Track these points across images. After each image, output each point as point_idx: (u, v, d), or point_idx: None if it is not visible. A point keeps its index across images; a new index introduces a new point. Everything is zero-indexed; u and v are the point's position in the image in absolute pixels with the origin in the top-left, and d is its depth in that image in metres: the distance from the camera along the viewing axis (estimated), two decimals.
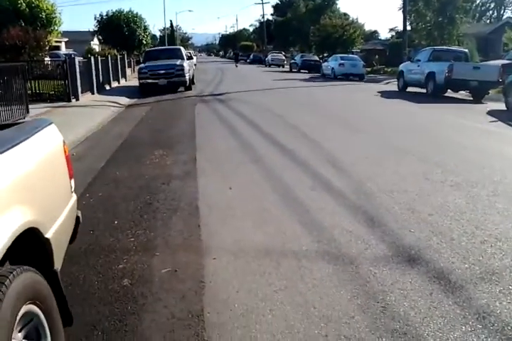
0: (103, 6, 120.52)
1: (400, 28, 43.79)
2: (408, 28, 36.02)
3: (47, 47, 18.59)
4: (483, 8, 60.94)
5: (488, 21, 59.44)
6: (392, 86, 21.49)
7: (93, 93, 17.01)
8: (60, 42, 47.75)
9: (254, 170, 6.02)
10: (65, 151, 2.65)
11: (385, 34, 77.78)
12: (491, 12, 64.10)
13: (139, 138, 8.87)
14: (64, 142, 2.72)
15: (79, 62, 15.47)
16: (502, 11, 63.65)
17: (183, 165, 6.44)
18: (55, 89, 14.98)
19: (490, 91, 15.65)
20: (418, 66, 17.24)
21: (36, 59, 15.58)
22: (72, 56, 15.88)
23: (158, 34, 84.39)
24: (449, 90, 16.50)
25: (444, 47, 20.32)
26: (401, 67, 19.19)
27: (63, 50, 47.35)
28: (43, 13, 19.79)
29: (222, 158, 6.89)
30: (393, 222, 4.01)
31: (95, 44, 48.70)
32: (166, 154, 7.16)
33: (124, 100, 16.02)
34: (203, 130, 9.38)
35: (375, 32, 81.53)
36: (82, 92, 15.49)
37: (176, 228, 4.05)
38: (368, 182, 5.25)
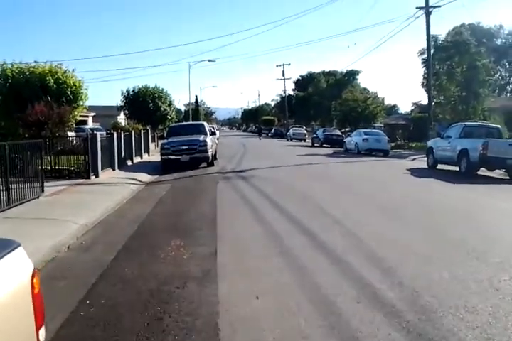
0: (131, 81, 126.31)
1: (423, 102, 44.22)
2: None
3: (71, 123, 18.62)
4: (502, 83, 61.63)
5: (507, 95, 59.82)
6: (420, 162, 20.80)
7: (114, 169, 16.70)
8: (87, 116, 49.29)
9: (284, 270, 5.16)
10: (33, 286, 1.88)
11: (404, 108, 78.90)
12: (511, 86, 64.75)
13: (155, 222, 8.16)
14: (34, 273, 1.97)
15: (101, 137, 15.29)
16: None
17: (201, 260, 5.62)
18: (75, 165, 14.67)
19: None
20: (449, 142, 16.62)
21: (58, 134, 15.45)
22: (95, 132, 15.76)
23: (183, 108, 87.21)
24: (482, 168, 15.71)
25: (476, 122, 19.77)
26: (430, 143, 18.61)
27: (90, 123, 48.71)
28: (69, 89, 20.12)
29: (246, 251, 6.07)
30: None
31: (121, 118, 50.09)
32: (183, 245, 6.37)
33: (145, 177, 15.58)
34: (225, 213, 8.66)
35: (395, 106, 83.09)
36: (102, 169, 15.16)
37: None
38: (424, 292, 4.33)
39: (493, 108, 33.42)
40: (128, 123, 43.96)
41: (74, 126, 25.05)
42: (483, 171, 15.90)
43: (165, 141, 19.12)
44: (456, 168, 16.43)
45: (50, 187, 11.91)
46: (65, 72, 21.06)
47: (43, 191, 10.73)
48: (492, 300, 4.14)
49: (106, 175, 15.15)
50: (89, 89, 22.25)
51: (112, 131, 20.08)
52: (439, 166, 17.84)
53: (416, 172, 16.45)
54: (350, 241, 6.43)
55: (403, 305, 4.02)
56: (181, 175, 15.70)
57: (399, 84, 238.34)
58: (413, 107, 66.38)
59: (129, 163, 20.02)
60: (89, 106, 50.91)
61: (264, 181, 13.38)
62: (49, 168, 14.30)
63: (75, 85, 20.91)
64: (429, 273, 4.92)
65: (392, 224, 7.69)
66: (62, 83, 20.34)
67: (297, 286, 4.63)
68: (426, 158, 18.88)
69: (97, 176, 14.44)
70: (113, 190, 12.21)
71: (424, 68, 38.56)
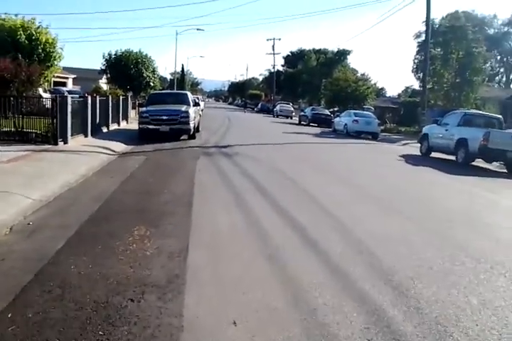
0: (116, 44, 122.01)
1: (415, 86, 43.31)
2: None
3: (41, 83, 17.14)
4: (492, 72, 60.97)
5: (496, 85, 59.31)
6: (412, 148, 19.92)
7: (86, 136, 15.38)
8: (67, 78, 47.18)
9: (270, 279, 4.12)
10: None
11: (391, 92, 78.35)
12: (499, 76, 64.31)
13: (121, 202, 7.02)
14: None
15: (72, 101, 13.89)
16: (511, 76, 63.91)
17: (168, 259, 4.53)
18: (42, 129, 13.32)
19: None
20: (446, 130, 15.65)
21: (25, 95, 13.99)
22: (65, 94, 14.35)
23: (169, 77, 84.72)
24: (479, 159, 14.81)
25: (476, 111, 18.84)
26: (425, 129, 17.62)
27: (70, 86, 46.62)
28: (41, 47, 18.51)
29: (225, 248, 5.00)
30: None
31: (104, 83, 47.97)
32: (148, 235, 5.28)
33: (120, 146, 14.32)
34: (203, 196, 7.55)
35: (382, 89, 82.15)
36: (73, 135, 13.85)
37: None
38: (452, 327, 3.33)
39: (485, 97, 32.69)
40: (110, 88, 42.10)
41: (49, 86, 23.45)
42: (478, 162, 15.04)
43: (144, 109, 17.75)
44: (451, 157, 15.58)
45: (11, 152, 10.70)
46: (38, 27, 19.40)
47: None
48: None
49: (76, 141, 13.86)
50: (72, 49, 21.06)
51: (86, 95, 18.65)
52: (433, 154, 16.94)
53: (410, 159, 15.50)
54: (346, 241, 5.40)
55: None
56: (159, 147, 14.49)
57: (387, 67, 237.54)
58: (401, 91, 65.71)
59: (105, 129, 18.67)
60: (71, 68, 48.93)
61: (248, 160, 12.28)
62: (13, 130, 13.00)
63: (48, 43, 19.30)
64: (454, 296, 3.91)
65: (389, 219, 6.68)
66: (34, 40, 18.75)
67: (287, 305, 3.59)
68: (419, 145, 17.92)
69: (65, 142, 13.15)
70: (81, 159, 10.99)
71: (416, 53, 37.63)
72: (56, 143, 12.74)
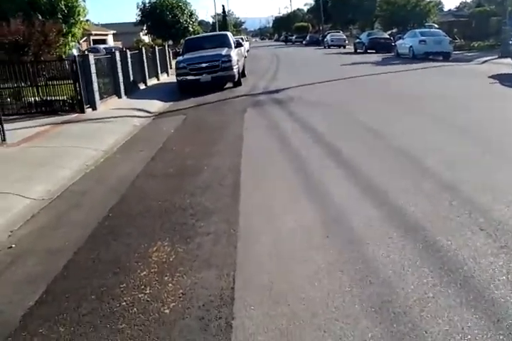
0: None
1: None
2: None
3: (65, 42, 15.31)
4: None
5: None
6: (496, 66, 16.68)
7: (120, 96, 13.54)
8: (106, 35, 45.37)
9: None
10: None
11: (448, 5, 70.86)
12: None
13: (143, 195, 5.05)
14: None
15: (96, 60, 11.92)
16: None
17: (202, 329, 2.59)
18: (67, 96, 11.55)
19: None
20: None
21: (43, 58, 12.09)
22: (86, 53, 12.37)
23: (211, 20, 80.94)
24: None
25: None
26: None
27: (110, 43, 44.81)
28: (62, 3, 16.49)
29: (297, 285, 2.99)
30: None
31: (144, 35, 45.66)
32: (173, 263, 3.36)
33: (156, 105, 12.42)
34: (254, 174, 5.50)
35: (439, 3, 74.40)
36: (103, 97, 12.09)
37: None
38: None
39: None
40: (153, 40, 39.98)
41: (89, 45, 21.63)
42: None
43: (180, 58, 15.54)
44: None
45: (28, 128, 9.13)
46: None
47: (3, 139, 7.77)
48: None
49: (108, 105, 12.07)
50: (107, 4, 18.70)
51: (124, 49, 16.59)
52: None
53: (506, 80, 12.49)
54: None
55: None
56: (201, 101, 12.42)
57: None
58: (459, 3, 58.72)
59: (142, 86, 16.79)
60: (110, 24, 46.92)
61: (308, 107, 9.97)
62: (37, 100, 11.32)
63: None
64: None
65: None
66: None
67: None
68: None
69: (94, 108, 11.38)
70: (107, 128, 9.17)
71: None
72: (83, 111, 11.01)
